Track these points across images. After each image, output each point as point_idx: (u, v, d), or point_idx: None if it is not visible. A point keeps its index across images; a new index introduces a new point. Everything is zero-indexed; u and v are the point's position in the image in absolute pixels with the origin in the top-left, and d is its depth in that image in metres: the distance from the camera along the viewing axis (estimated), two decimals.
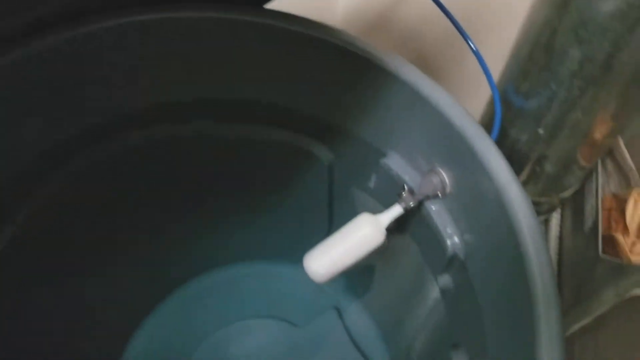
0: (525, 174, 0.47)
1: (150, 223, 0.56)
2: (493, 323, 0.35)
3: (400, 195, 0.40)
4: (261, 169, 0.52)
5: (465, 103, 0.35)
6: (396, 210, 0.39)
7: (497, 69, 0.47)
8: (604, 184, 0.50)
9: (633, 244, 0.43)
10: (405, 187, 0.40)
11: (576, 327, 0.53)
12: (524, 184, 0.49)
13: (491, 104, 0.45)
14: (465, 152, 0.34)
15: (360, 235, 0.39)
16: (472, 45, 0.37)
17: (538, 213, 0.53)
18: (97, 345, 0.58)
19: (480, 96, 0.51)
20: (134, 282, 0.60)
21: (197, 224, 0.60)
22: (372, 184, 0.47)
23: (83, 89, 0.38)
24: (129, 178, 0.49)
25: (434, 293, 0.44)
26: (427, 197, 0.39)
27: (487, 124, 0.45)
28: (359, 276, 0.62)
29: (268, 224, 0.62)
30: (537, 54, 0.36)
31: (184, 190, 0.54)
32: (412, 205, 0.39)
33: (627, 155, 0.47)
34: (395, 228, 0.46)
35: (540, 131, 0.40)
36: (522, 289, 0.30)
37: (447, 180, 0.38)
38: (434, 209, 0.40)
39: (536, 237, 0.30)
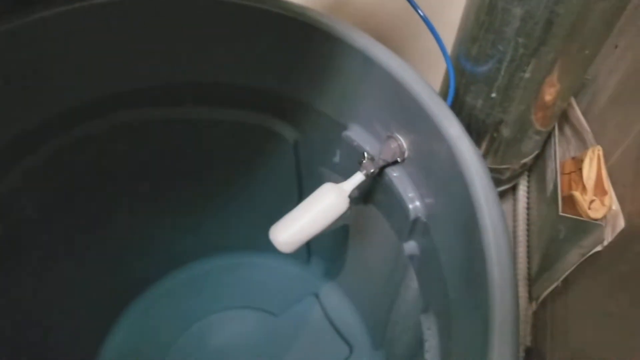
0: (485, 142, 0.48)
1: (118, 218, 0.55)
2: (454, 278, 0.36)
3: (360, 162, 0.40)
4: (227, 152, 0.52)
5: (424, 77, 0.36)
6: (358, 177, 0.40)
7: (452, 43, 0.48)
8: (565, 150, 0.52)
9: (591, 201, 0.45)
10: (366, 154, 0.41)
11: (547, 292, 0.54)
12: (485, 154, 0.50)
13: (448, 75, 0.46)
14: (419, 114, 0.35)
15: (325, 204, 0.40)
16: (420, 12, 0.38)
17: (500, 181, 0.54)
18: (70, 345, 0.57)
19: (438, 71, 0.52)
20: (103, 281, 0.59)
21: (165, 218, 0.59)
22: (337, 158, 0.47)
23: (43, 77, 0.39)
24: (92, 170, 0.48)
25: (403, 261, 0.45)
26: (387, 163, 0.40)
27: (445, 94, 0.46)
28: (333, 258, 0.62)
29: (238, 213, 0.62)
30: (482, 16, 0.38)
31: (151, 182, 0.54)
32: (372, 171, 0.39)
33: (582, 119, 0.49)
34: (361, 199, 0.47)
35: (493, 95, 0.42)
36: (477, 240, 0.31)
37: (404, 145, 0.39)
38: (395, 175, 0.40)
39: (486, 186, 0.31)
